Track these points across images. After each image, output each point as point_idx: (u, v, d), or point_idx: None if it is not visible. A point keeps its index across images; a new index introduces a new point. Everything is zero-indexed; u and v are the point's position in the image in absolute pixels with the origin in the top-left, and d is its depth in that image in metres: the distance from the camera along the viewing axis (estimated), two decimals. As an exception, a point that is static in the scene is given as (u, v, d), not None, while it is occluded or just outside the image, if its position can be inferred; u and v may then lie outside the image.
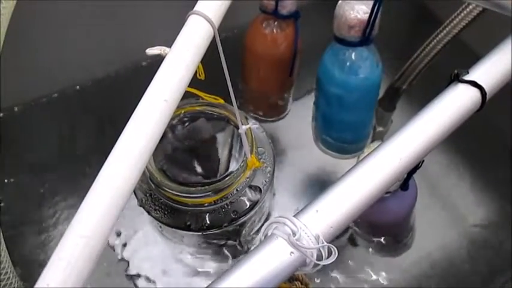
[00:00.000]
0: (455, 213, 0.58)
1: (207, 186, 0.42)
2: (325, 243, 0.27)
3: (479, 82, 0.33)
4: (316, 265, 0.27)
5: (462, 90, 0.33)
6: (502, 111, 0.59)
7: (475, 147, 0.62)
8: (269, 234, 0.27)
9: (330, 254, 0.27)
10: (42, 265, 0.23)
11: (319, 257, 0.27)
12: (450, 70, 0.35)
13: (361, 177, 0.30)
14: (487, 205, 0.58)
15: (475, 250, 0.55)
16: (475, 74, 0.34)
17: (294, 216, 0.28)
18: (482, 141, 0.63)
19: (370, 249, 0.54)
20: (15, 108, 0.62)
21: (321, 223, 0.27)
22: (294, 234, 0.26)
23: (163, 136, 0.46)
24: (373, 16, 0.42)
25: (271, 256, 0.26)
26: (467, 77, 0.34)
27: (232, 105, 0.39)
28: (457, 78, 0.34)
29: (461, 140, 0.61)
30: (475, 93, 0.33)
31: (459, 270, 0.54)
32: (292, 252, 0.26)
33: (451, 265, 0.54)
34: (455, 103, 0.33)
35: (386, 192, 0.47)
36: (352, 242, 0.55)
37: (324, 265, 0.27)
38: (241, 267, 0.26)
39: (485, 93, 0.33)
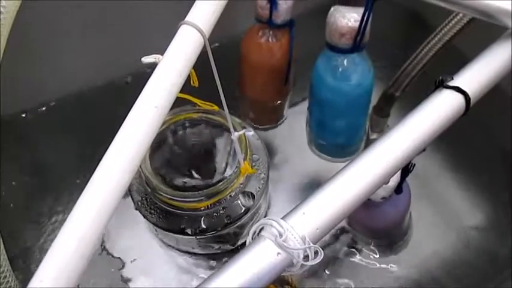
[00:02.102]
0: (451, 216, 0.58)
1: (201, 191, 0.43)
2: (311, 244, 0.27)
3: (463, 88, 0.34)
4: (303, 266, 0.28)
5: (447, 95, 0.34)
6: (498, 115, 0.60)
7: (470, 150, 0.63)
8: (257, 235, 0.28)
9: (316, 255, 0.28)
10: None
11: (306, 258, 0.28)
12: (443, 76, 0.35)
13: (347, 181, 0.30)
14: (482, 208, 0.59)
15: (471, 253, 0.56)
16: (459, 80, 0.35)
17: (282, 218, 0.28)
18: (478, 144, 0.63)
19: (369, 254, 0.55)
20: (13, 117, 0.63)
21: (308, 225, 0.28)
22: (281, 235, 0.27)
23: (162, 142, 0.47)
24: (363, 24, 0.43)
25: (259, 257, 0.27)
26: (451, 83, 0.34)
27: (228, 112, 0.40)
28: (441, 84, 0.34)
29: (456, 144, 0.62)
30: (459, 98, 0.34)
31: (455, 273, 0.54)
32: (279, 253, 0.27)
33: (447, 268, 0.55)
34: (440, 108, 0.33)
35: (381, 198, 0.47)
36: (351, 246, 0.55)
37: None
38: (229, 268, 0.27)
39: (469, 99, 0.34)
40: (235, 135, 0.41)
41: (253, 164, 0.47)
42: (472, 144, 0.63)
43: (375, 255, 0.55)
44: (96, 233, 0.24)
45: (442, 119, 0.33)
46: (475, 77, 0.35)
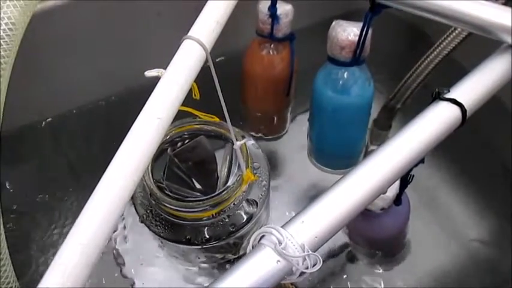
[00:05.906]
0: (451, 230, 0.58)
1: (205, 201, 0.43)
2: (310, 252, 0.28)
3: (459, 100, 0.34)
4: (302, 273, 0.28)
5: (443, 107, 0.34)
6: (498, 128, 0.60)
7: (471, 164, 0.63)
8: (257, 243, 0.29)
9: (315, 263, 0.28)
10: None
11: (305, 266, 0.28)
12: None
13: (346, 190, 0.31)
14: (483, 221, 0.59)
15: (472, 266, 0.56)
16: (455, 92, 0.35)
17: (282, 226, 0.29)
18: (479, 158, 0.63)
19: (369, 265, 0.55)
20: (17, 130, 0.63)
21: (307, 233, 0.28)
22: (280, 243, 0.27)
23: (164, 153, 0.48)
24: (362, 38, 0.44)
25: (259, 264, 0.27)
26: (448, 95, 0.35)
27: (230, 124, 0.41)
28: (438, 96, 0.35)
29: (457, 157, 0.62)
30: (455, 110, 0.34)
31: (455, 286, 0.54)
32: (278, 261, 0.27)
33: (447, 281, 0.55)
34: (436, 120, 0.34)
35: (381, 209, 0.48)
36: (351, 257, 0.56)
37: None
38: (229, 275, 0.27)
39: (465, 110, 0.34)
40: (237, 144, 0.42)
41: (255, 171, 0.48)
42: (473, 157, 0.63)
43: (375, 267, 0.55)
44: (101, 240, 0.25)
45: (438, 131, 0.34)
46: (471, 89, 0.36)
